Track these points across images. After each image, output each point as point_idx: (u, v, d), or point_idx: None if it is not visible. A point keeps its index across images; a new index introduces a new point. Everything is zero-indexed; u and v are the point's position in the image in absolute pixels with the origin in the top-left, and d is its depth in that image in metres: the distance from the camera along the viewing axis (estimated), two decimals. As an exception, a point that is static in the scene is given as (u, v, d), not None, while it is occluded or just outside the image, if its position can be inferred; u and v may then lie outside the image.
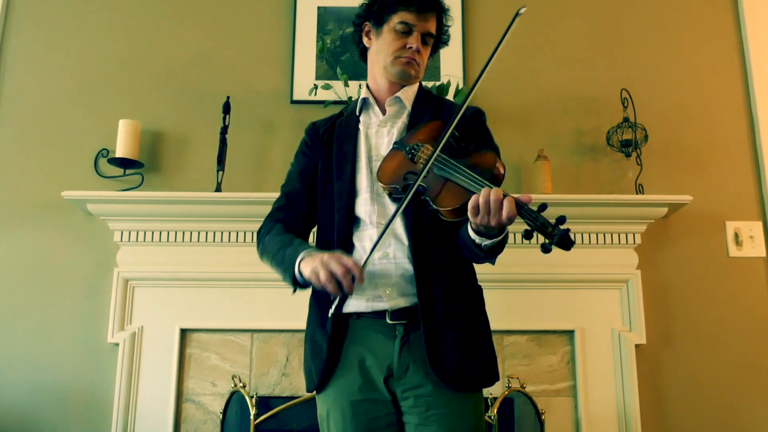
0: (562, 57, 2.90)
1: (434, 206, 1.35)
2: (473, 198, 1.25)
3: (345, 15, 2.91)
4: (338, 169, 1.54)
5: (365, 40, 1.64)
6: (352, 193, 1.50)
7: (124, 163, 2.63)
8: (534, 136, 2.79)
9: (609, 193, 2.69)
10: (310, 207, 1.60)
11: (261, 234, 1.58)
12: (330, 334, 1.47)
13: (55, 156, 2.74)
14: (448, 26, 1.65)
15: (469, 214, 1.26)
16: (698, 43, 2.94)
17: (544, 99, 2.83)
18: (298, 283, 1.42)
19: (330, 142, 1.60)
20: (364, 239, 1.48)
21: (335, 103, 2.69)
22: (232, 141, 2.68)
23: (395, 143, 1.50)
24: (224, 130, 2.67)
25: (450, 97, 2.69)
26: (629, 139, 2.68)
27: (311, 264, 1.35)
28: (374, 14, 1.59)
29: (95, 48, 2.87)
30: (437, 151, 1.37)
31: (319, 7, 2.92)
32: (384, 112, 1.60)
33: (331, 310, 1.34)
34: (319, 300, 1.52)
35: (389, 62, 1.56)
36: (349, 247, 1.49)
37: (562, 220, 1.19)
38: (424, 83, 1.70)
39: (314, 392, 1.54)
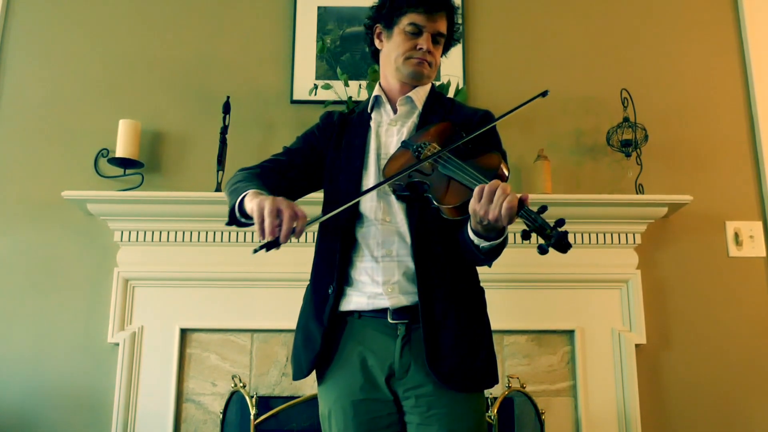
0: (562, 57, 2.90)
1: (436, 204, 1.35)
2: (480, 185, 1.24)
3: (345, 15, 2.91)
4: (346, 165, 1.55)
5: (377, 42, 1.64)
6: (358, 189, 1.51)
7: (124, 163, 2.63)
8: (534, 136, 2.79)
9: (609, 193, 2.69)
10: (303, 174, 1.59)
11: (239, 170, 1.55)
12: (326, 328, 1.46)
13: (55, 156, 2.74)
14: (459, 24, 1.65)
15: (471, 204, 1.26)
16: (698, 43, 2.94)
17: (544, 99, 2.81)
18: (234, 217, 1.39)
19: (341, 136, 1.60)
20: (367, 236, 1.49)
21: (335, 103, 2.69)
22: (232, 141, 2.68)
23: (403, 142, 1.51)
24: (224, 130, 2.67)
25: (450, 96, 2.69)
26: (629, 139, 2.68)
27: (258, 198, 1.29)
28: (384, 16, 1.59)
29: (95, 48, 2.87)
30: (444, 151, 1.37)
31: (319, 7, 2.92)
32: (395, 111, 1.60)
33: (256, 249, 1.26)
34: (317, 292, 1.53)
35: (401, 63, 1.57)
36: (352, 243, 1.49)
37: (560, 222, 1.19)
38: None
39: (306, 382, 1.53)
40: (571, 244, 1.18)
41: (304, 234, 1.59)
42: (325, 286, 1.50)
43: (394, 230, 1.48)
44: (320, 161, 1.61)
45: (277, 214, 1.25)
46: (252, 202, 1.31)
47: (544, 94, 1.44)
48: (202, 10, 2.92)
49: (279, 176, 1.55)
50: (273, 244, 1.25)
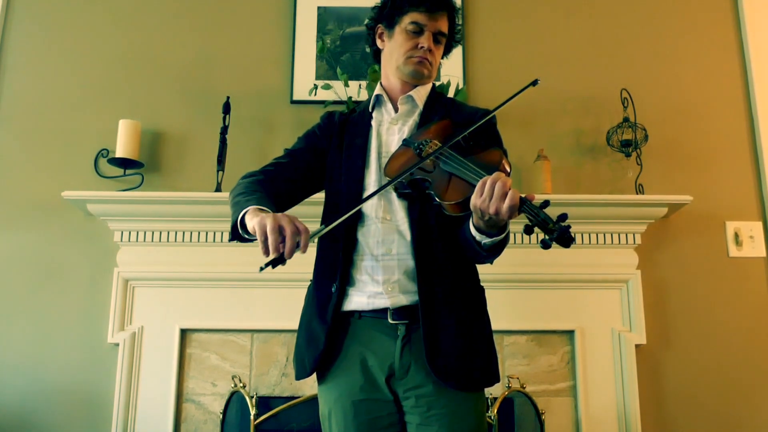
0: (562, 57, 2.90)
1: (438, 200, 1.35)
2: (482, 179, 1.25)
3: (345, 15, 2.91)
4: (347, 164, 1.55)
5: (378, 42, 1.65)
6: (359, 188, 1.51)
7: (124, 163, 2.63)
8: (534, 136, 2.79)
9: (609, 193, 2.70)
10: (306, 175, 1.59)
11: (242, 176, 1.55)
12: (329, 326, 1.46)
13: (55, 156, 2.74)
14: (460, 26, 1.66)
15: (472, 199, 1.26)
16: (698, 42, 2.94)
17: (544, 99, 2.82)
18: (237, 233, 1.38)
19: (342, 136, 1.61)
20: (367, 235, 1.49)
21: (335, 103, 2.69)
22: (232, 141, 2.68)
23: (404, 140, 1.52)
24: (224, 130, 2.67)
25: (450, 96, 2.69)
26: (629, 139, 2.69)
27: (259, 216, 1.29)
28: (386, 16, 1.60)
29: (95, 48, 2.87)
30: (445, 147, 1.38)
31: (319, 7, 2.92)
32: (396, 110, 1.61)
33: (262, 267, 1.26)
34: (319, 291, 1.53)
35: (402, 62, 1.57)
36: (353, 242, 1.49)
37: (563, 217, 1.19)
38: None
39: (306, 382, 1.53)
40: (574, 239, 1.18)
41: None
42: (327, 286, 1.50)
43: (394, 228, 1.48)
44: (322, 161, 1.61)
45: (280, 231, 1.26)
46: (253, 220, 1.30)
47: (534, 83, 1.44)
48: (202, 10, 2.92)
49: (282, 180, 1.55)
50: (278, 261, 1.27)
